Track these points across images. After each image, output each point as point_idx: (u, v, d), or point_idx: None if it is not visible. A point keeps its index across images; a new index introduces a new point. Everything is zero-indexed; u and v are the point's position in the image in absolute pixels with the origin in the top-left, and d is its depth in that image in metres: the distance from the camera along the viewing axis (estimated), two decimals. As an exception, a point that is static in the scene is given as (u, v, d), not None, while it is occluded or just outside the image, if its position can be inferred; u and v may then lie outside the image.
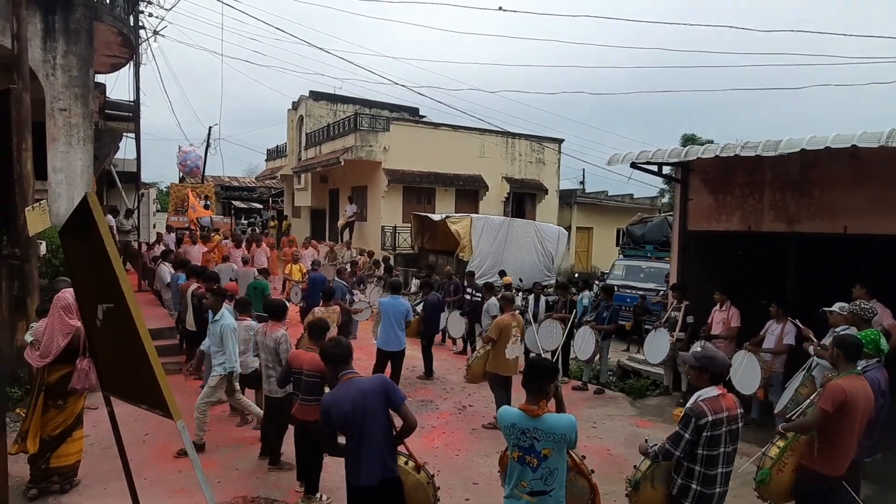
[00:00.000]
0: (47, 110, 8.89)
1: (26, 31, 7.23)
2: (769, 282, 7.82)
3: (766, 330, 6.98)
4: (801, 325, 6.38)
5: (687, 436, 3.26)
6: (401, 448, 3.60)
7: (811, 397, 5.17)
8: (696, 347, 3.76)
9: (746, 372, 6.68)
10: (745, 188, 7.75)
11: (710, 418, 3.21)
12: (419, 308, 9.90)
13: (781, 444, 4.07)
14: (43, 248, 7.43)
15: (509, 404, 6.74)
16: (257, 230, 26.79)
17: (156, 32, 14.20)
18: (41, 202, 6.73)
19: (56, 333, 4.88)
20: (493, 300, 9.46)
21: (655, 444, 3.46)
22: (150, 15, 15.04)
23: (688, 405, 3.42)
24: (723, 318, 7.44)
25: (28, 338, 5.30)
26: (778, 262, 8.00)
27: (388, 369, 7.67)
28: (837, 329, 5.89)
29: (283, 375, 5.08)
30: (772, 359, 6.74)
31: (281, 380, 5.12)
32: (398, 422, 3.50)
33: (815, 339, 6.04)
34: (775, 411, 6.12)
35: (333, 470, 5.39)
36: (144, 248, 13.75)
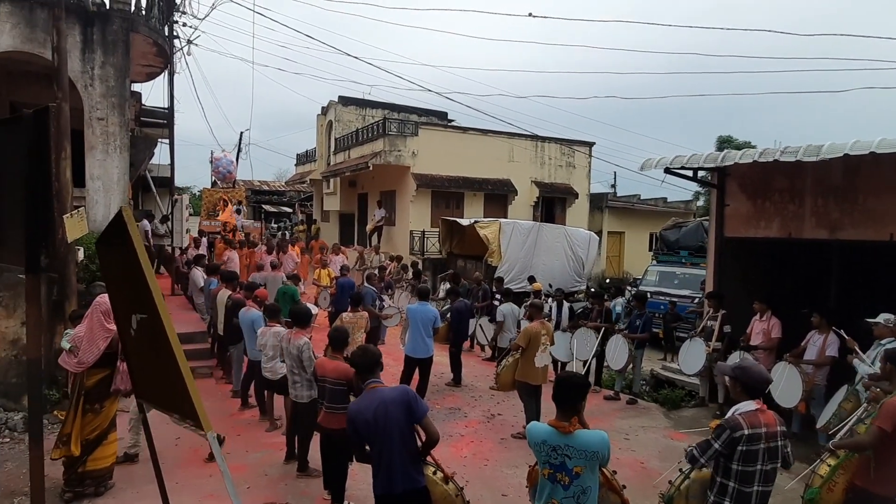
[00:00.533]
0: (86, 119, 9.15)
1: (66, 43, 7.47)
2: (810, 290, 7.54)
3: (808, 341, 6.72)
4: (845, 336, 6.12)
5: (716, 445, 3.16)
6: (429, 458, 3.56)
7: (856, 412, 4.96)
8: (736, 358, 3.64)
9: (787, 384, 6.44)
10: (784, 194, 7.49)
11: (745, 432, 3.09)
12: (447, 314, 9.86)
13: (832, 462, 3.92)
14: (80, 255, 7.64)
15: (539, 414, 6.67)
16: (286, 234, 27.19)
17: (189, 42, 14.54)
18: (79, 209, 6.88)
19: (97, 338, 4.99)
20: (503, 306, 9.34)
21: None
22: (185, 25, 15.44)
23: (725, 417, 3.32)
24: (763, 328, 7.17)
25: (65, 344, 5.40)
26: (819, 269, 7.72)
27: (417, 376, 7.65)
28: (883, 341, 5.64)
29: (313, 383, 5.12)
30: (813, 371, 6.49)
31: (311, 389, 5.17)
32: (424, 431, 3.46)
33: (859, 352, 5.80)
34: (818, 426, 5.90)
35: (360, 478, 5.38)
36: (178, 252, 14.04)
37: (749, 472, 3.12)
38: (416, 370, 7.64)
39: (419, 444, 3.45)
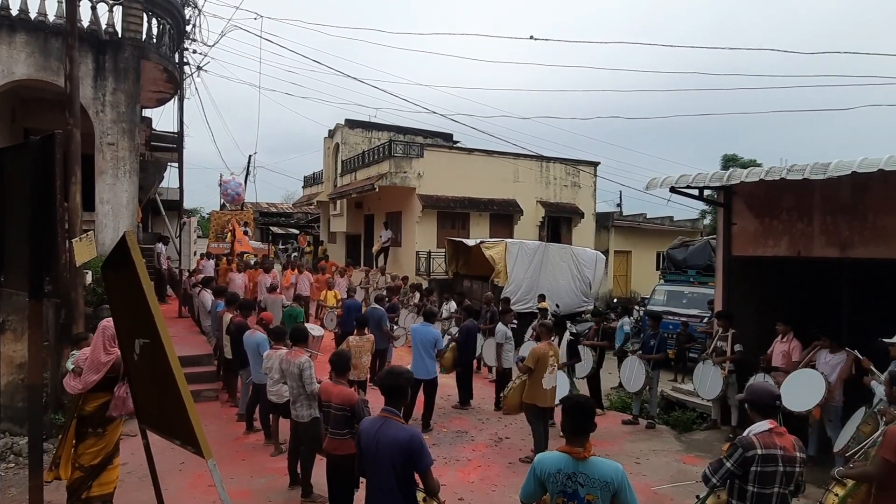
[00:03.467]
0: (96, 145, 9.30)
1: (78, 71, 7.61)
2: (820, 309, 7.43)
3: (816, 360, 6.61)
4: (860, 356, 6.01)
5: (728, 465, 3.08)
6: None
7: (873, 436, 4.82)
8: (757, 380, 3.58)
9: (800, 386, 6.29)
10: (792, 212, 7.43)
11: (759, 452, 3.02)
12: (452, 332, 9.79)
13: (839, 491, 3.78)
14: (89, 278, 7.68)
15: (547, 437, 6.56)
16: (293, 256, 27.30)
17: (199, 68, 14.78)
18: (88, 233, 6.96)
19: (97, 362, 4.97)
20: (498, 326, 9.22)
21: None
22: (194, 52, 15.68)
23: (738, 437, 3.25)
24: (784, 349, 7.02)
25: (69, 365, 5.40)
26: (829, 288, 7.61)
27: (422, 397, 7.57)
28: (899, 362, 5.52)
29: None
30: (831, 391, 6.35)
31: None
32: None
33: (876, 371, 5.68)
34: (835, 450, 5.74)
35: (366, 505, 5.28)
36: (186, 275, 14.11)
37: (765, 495, 3.03)
38: (421, 392, 7.54)
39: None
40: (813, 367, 6.56)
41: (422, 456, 3.21)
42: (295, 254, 28.57)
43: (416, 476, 3.30)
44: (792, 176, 6.01)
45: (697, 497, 3.61)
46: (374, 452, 3.26)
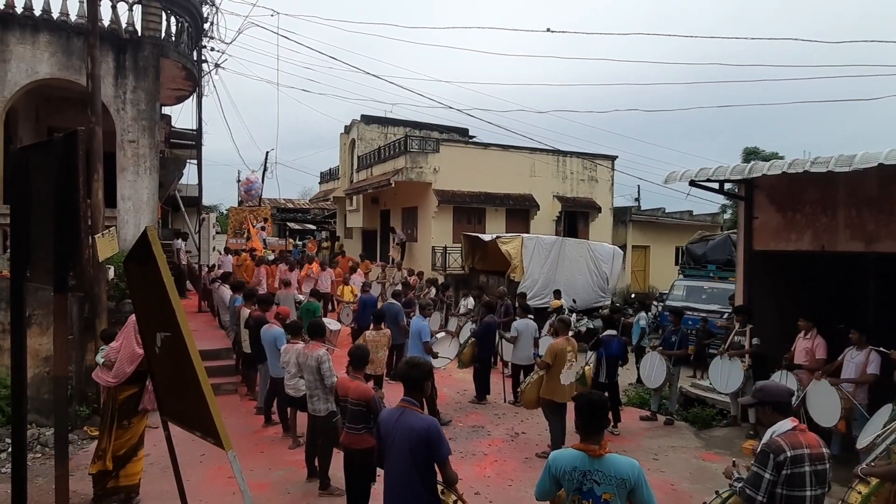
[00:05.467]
0: (117, 142, 9.43)
1: (100, 70, 7.73)
2: (844, 305, 7.27)
3: (844, 357, 6.47)
4: (887, 352, 5.88)
5: (767, 475, 2.93)
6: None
7: (890, 426, 4.72)
8: (777, 378, 3.48)
9: (824, 402, 6.19)
10: (816, 205, 7.28)
11: (788, 454, 2.91)
12: (469, 328, 9.77)
13: (863, 489, 3.69)
14: (111, 273, 7.82)
15: (564, 433, 6.54)
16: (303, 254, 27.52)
17: (217, 65, 14.94)
18: (110, 229, 7.10)
19: (129, 356, 5.10)
20: (518, 322, 9.14)
21: (741, 479, 3.19)
22: (212, 49, 15.83)
23: (763, 441, 3.15)
24: (807, 347, 6.87)
25: (99, 359, 5.52)
26: (853, 283, 7.45)
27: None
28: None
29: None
30: (854, 389, 6.23)
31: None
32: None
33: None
34: (858, 447, 5.63)
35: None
36: (205, 270, 14.30)
37: (797, 498, 2.91)
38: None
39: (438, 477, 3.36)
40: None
41: (440, 445, 3.24)
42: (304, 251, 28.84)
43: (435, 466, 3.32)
44: (816, 168, 5.88)
45: (717, 493, 3.55)
46: (393, 442, 3.29)
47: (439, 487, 3.37)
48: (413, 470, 3.24)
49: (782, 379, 6.47)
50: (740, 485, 3.13)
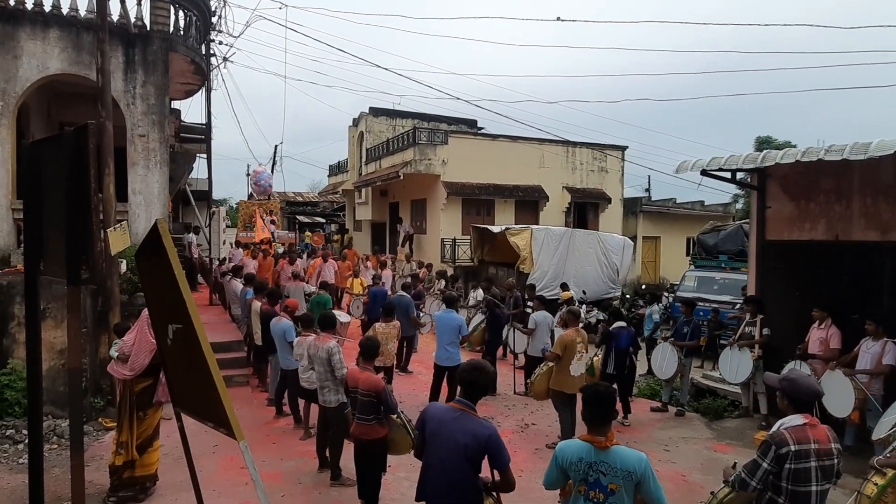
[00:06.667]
0: (128, 137, 9.50)
1: (109, 64, 7.76)
2: (859, 295, 7.18)
3: (860, 348, 6.40)
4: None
5: (765, 465, 2.95)
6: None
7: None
8: (791, 367, 3.44)
9: (838, 393, 6.13)
10: (830, 194, 7.18)
11: (792, 448, 2.89)
12: (477, 320, 9.78)
13: (879, 480, 3.66)
14: (123, 267, 7.90)
15: (574, 424, 6.53)
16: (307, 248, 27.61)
17: (225, 59, 15.01)
18: (122, 223, 7.16)
19: (143, 349, 5.16)
20: (536, 314, 9.09)
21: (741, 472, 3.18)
22: (221, 43, 15.86)
23: (769, 432, 3.13)
24: (821, 336, 6.79)
25: (113, 353, 5.58)
26: (868, 273, 7.35)
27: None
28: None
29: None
30: (869, 380, 6.17)
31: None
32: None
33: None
34: (874, 438, 5.58)
35: (394, 488, 5.36)
36: (217, 263, 14.40)
37: (802, 493, 2.90)
38: (445, 379, 7.58)
39: (483, 481, 3.37)
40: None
41: (501, 453, 3.24)
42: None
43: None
44: (830, 157, 5.79)
45: (712, 494, 3.50)
46: (444, 442, 3.25)
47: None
48: (466, 473, 3.25)
49: (797, 368, 6.42)
50: (736, 473, 3.14)
